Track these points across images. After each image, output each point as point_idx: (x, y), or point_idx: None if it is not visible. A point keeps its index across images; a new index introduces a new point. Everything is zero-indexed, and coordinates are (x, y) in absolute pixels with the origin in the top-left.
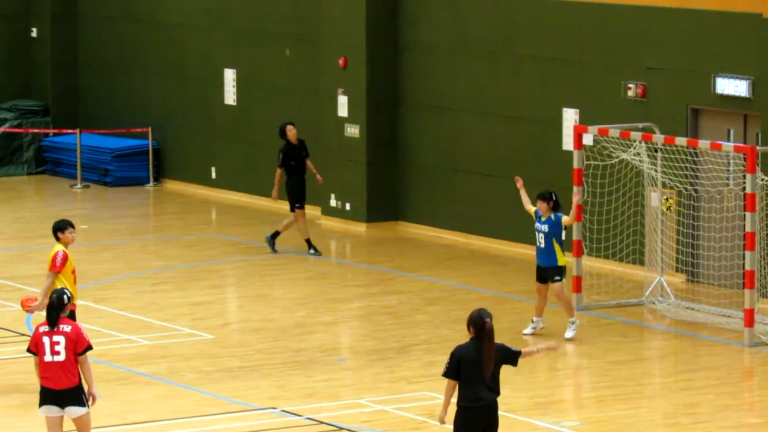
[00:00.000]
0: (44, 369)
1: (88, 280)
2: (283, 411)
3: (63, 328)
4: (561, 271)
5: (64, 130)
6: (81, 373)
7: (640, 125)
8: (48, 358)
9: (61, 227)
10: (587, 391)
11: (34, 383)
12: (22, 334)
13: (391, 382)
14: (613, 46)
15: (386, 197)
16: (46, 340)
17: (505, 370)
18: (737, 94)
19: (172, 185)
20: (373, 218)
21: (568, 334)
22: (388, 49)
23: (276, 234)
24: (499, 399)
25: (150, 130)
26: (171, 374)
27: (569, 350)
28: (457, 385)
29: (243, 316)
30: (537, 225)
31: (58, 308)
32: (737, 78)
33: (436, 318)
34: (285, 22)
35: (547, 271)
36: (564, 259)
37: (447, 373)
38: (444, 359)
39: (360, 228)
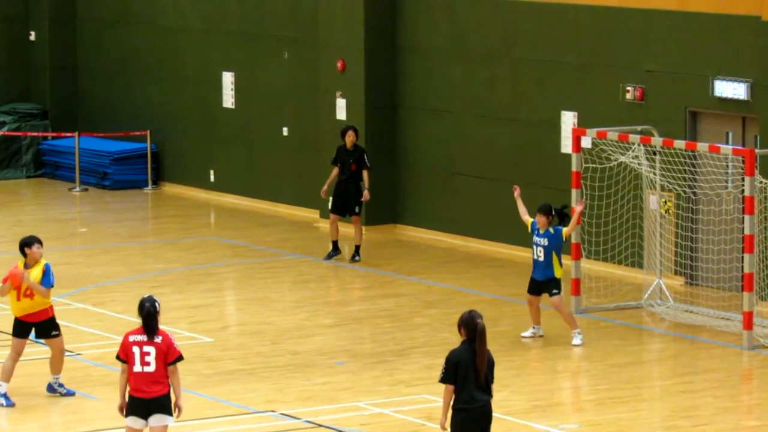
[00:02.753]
0: (134, 379)
1: (86, 283)
2: (281, 414)
3: (155, 338)
4: (558, 283)
5: (63, 134)
6: (170, 383)
7: (639, 128)
8: (137, 368)
9: (28, 243)
10: (586, 394)
11: (31, 386)
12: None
13: (390, 385)
14: (611, 49)
15: (385, 200)
16: (136, 350)
17: (504, 373)
18: (736, 96)
19: (170, 188)
20: (371, 221)
21: (576, 341)
22: (386, 52)
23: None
24: (497, 401)
25: (149, 133)
26: None
27: (568, 353)
28: (454, 389)
29: (242, 319)
30: (535, 238)
31: (155, 317)
32: (736, 81)
33: (434, 321)
34: (283, 25)
35: (544, 285)
36: (561, 271)
37: (444, 379)
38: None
39: None
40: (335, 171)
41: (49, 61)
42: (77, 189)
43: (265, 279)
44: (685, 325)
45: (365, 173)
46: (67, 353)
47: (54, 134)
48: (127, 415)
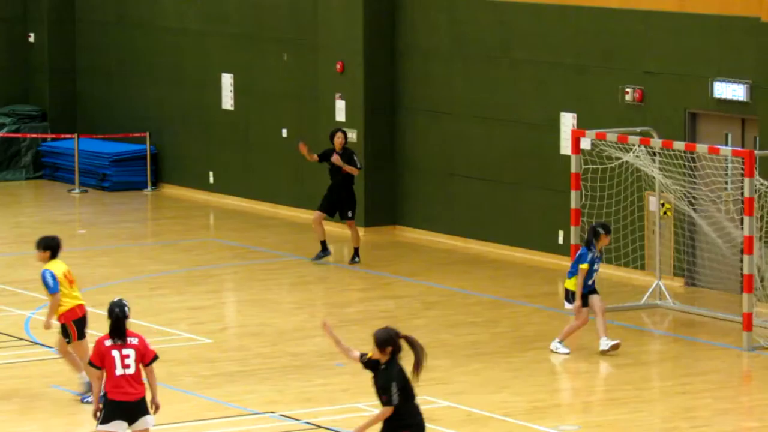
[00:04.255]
0: (115, 383)
1: (85, 284)
2: (281, 415)
3: (131, 340)
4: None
5: (62, 135)
6: (147, 383)
7: (638, 129)
8: (119, 371)
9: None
10: (586, 395)
11: (31, 388)
12: (21, 339)
13: None
14: (610, 50)
15: (384, 202)
16: (116, 354)
17: (503, 374)
18: (735, 98)
19: (170, 190)
20: (371, 222)
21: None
22: (385, 54)
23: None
24: (498, 402)
25: (148, 135)
26: (169, 379)
27: (571, 355)
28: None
29: (241, 320)
30: (596, 266)
31: (125, 321)
32: (735, 82)
33: (434, 322)
34: (282, 27)
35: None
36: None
37: (394, 401)
38: (443, 363)
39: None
40: (314, 156)
41: (48, 63)
42: (77, 190)
43: (264, 280)
44: (684, 326)
45: (353, 171)
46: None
47: (53, 136)
48: (106, 421)
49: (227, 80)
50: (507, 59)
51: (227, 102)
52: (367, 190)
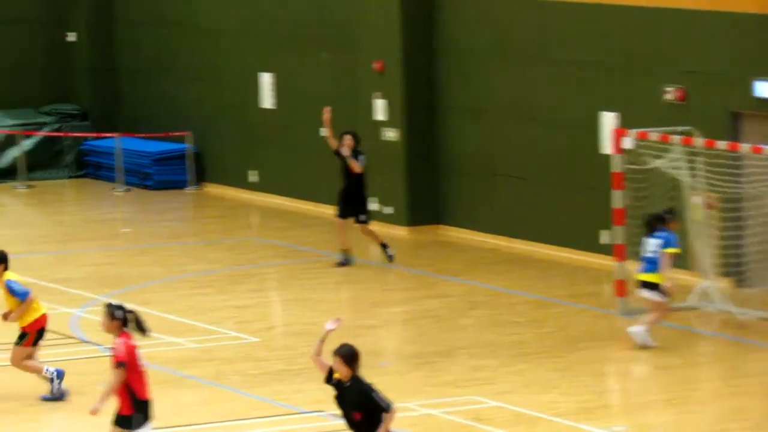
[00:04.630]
0: (144, 382)
1: (128, 283)
2: (329, 414)
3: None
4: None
5: (104, 134)
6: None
7: (680, 129)
8: (144, 370)
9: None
10: (634, 396)
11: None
12: (68, 336)
13: (436, 386)
14: (651, 50)
15: (427, 201)
16: (139, 353)
17: (550, 375)
18: None
19: (212, 189)
20: (414, 222)
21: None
22: (424, 53)
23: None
24: (547, 402)
25: (189, 133)
26: (217, 377)
27: (616, 355)
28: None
29: (287, 319)
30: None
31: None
32: None
33: (479, 322)
34: (321, 25)
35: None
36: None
37: (392, 403)
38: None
39: (402, 232)
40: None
41: (87, 63)
42: (119, 189)
43: (308, 279)
44: (733, 327)
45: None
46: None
47: (95, 135)
48: (147, 422)
49: (267, 79)
50: (546, 59)
51: (267, 101)
52: (410, 189)
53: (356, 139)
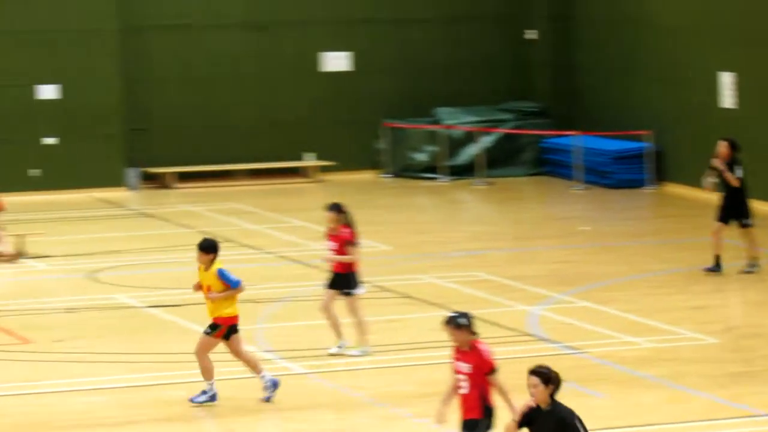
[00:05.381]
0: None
1: (587, 281)
2: None
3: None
4: None
5: (563, 132)
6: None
7: None
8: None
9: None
10: None
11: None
12: (524, 334)
13: None
14: None
15: None
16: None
17: None
18: None
19: (671, 188)
20: None
21: None
22: None
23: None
24: None
25: (649, 132)
26: (674, 377)
27: None
28: None
29: (747, 320)
30: None
31: None
32: None
33: None
34: None
35: None
36: None
37: None
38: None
39: None
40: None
41: (546, 61)
42: (578, 187)
43: None
44: None
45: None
46: (573, 351)
47: (554, 132)
48: (491, 429)
49: (726, 79)
50: None
51: (728, 101)
52: None
53: (734, 147)
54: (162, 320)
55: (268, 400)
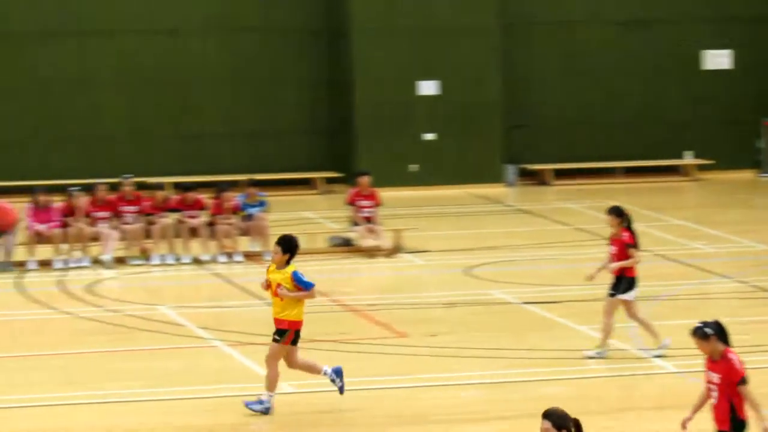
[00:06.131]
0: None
1: None
2: None
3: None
4: None
5: None
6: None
7: None
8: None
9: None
10: None
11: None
12: None
13: None
14: None
15: None
16: None
17: None
18: None
19: None
20: None
21: None
22: None
23: None
24: None
25: None
26: None
27: None
28: None
29: None
30: None
31: None
32: None
33: None
34: None
35: None
36: None
37: None
38: None
39: None
40: None
41: None
42: None
43: None
44: None
45: None
46: None
47: None
48: None
49: None
50: None
51: None
52: None
53: None
54: (538, 317)
55: (341, 391)
